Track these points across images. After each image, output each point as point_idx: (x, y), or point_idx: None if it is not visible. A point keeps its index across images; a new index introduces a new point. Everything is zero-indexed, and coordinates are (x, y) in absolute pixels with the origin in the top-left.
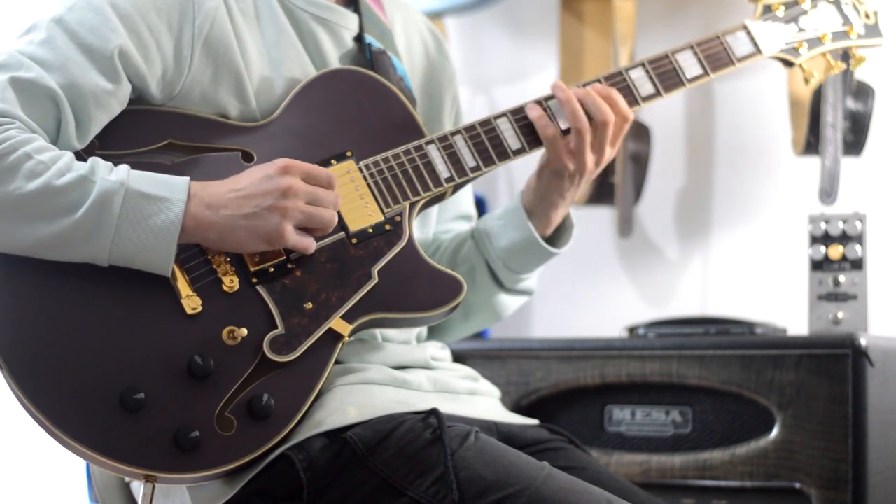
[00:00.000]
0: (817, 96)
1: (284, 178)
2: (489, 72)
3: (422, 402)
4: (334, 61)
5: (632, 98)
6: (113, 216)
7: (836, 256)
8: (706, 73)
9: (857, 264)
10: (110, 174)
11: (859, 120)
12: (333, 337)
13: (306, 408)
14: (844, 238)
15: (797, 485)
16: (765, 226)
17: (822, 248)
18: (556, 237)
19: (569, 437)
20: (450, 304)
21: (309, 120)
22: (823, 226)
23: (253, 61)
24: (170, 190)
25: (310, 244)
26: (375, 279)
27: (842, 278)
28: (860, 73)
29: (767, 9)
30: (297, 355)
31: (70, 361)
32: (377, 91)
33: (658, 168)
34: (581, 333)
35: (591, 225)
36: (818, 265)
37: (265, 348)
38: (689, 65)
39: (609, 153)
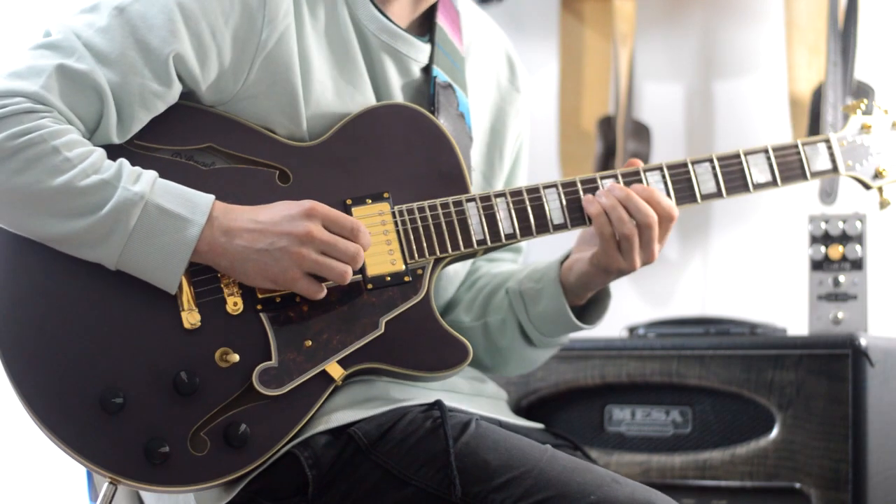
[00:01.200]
0: (817, 96)
1: (304, 222)
2: None
3: (426, 399)
4: (397, 91)
5: (690, 194)
6: (127, 228)
7: (836, 256)
8: (774, 183)
9: (857, 264)
10: (134, 183)
11: None
12: (326, 379)
13: (281, 445)
14: (844, 238)
15: (797, 485)
16: (765, 226)
17: (822, 248)
18: (591, 304)
19: (574, 443)
20: (451, 370)
21: (355, 151)
22: (823, 226)
23: (314, 81)
24: (191, 209)
25: (318, 292)
26: (381, 330)
27: (842, 278)
28: (861, 72)
29: (857, 125)
30: (284, 391)
31: (59, 351)
32: (431, 135)
33: None
34: (581, 333)
35: None
36: (818, 265)
37: (254, 379)
38: (760, 170)
39: (657, 251)
